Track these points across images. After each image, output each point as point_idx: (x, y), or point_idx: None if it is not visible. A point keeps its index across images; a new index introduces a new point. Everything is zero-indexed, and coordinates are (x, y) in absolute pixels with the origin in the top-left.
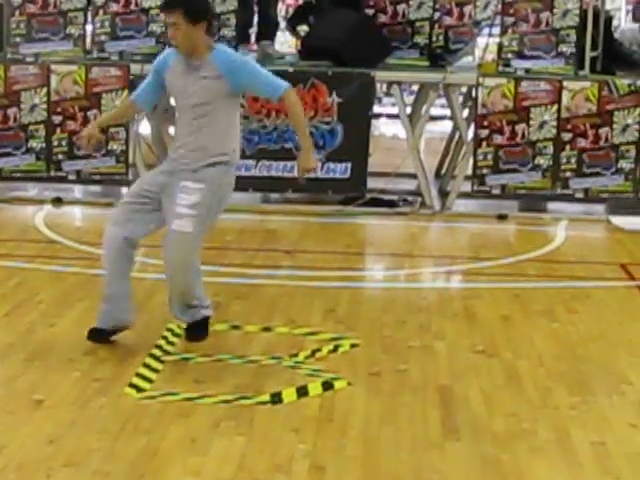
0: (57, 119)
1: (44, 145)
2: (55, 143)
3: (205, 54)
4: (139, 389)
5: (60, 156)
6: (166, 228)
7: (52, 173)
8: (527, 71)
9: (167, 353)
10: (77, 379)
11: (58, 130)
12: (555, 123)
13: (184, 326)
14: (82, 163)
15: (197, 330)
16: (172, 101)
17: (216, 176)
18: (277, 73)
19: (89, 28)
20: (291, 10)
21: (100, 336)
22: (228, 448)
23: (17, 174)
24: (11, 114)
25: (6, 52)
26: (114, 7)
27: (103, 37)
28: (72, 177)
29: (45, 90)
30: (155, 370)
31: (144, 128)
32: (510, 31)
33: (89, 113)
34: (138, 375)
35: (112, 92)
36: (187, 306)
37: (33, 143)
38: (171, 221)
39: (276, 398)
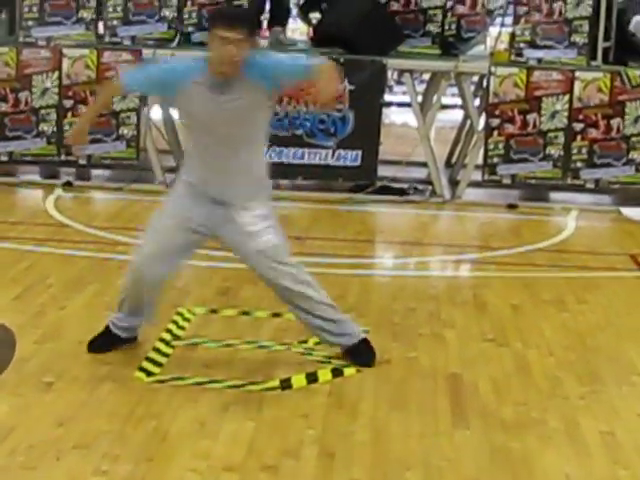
0: (68, 103)
1: (55, 129)
2: (66, 127)
3: (241, 71)
4: (149, 373)
5: None
6: None
7: (63, 157)
8: (539, 61)
9: (177, 337)
10: (87, 362)
11: (69, 114)
12: (567, 113)
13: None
14: (93, 147)
15: (360, 352)
16: (194, 127)
17: (265, 196)
18: None
19: (101, 12)
20: None
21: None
22: (237, 433)
23: (28, 157)
24: (22, 98)
25: (18, 35)
26: None
27: (115, 21)
28: (82, 161)
29: (57, 74)
30: (165, 354)
31: (155, 113)
32: (523, 20)
33: None
34: (148, 359)
35: None
36: (331, 321)
37: (44, 127)
38: (249, 246)
39: (285, 384)
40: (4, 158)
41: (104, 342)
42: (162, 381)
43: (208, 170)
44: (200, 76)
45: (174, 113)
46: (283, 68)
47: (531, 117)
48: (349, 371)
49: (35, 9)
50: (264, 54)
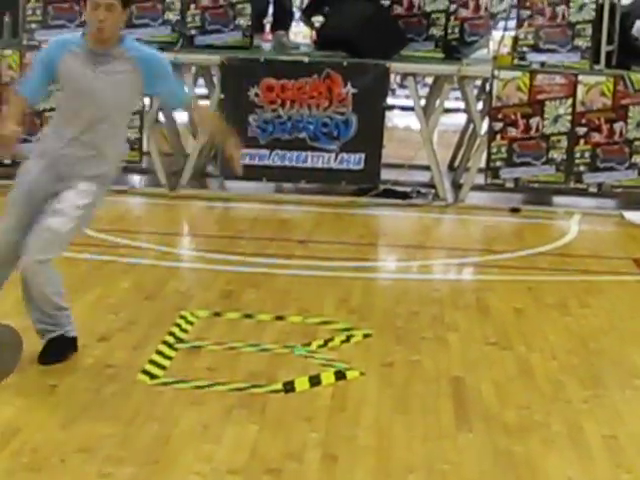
0: None
1: None
2: None
3: (117, 44)
4: (152, 376)
5: None
6: None
7: None
8: (542, 64)
9: (180, 340)
10: (90, 365)
11: None
12: (570, 117)
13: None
14: None
15: (50, 352)
16: (66, 94)
17: (106, 183)
18: (292, 63)
19: None
20: (306, 0)
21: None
22: (240, 436)
23: None
24: None
25: (22, 38)
26: None
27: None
28: None
29: None
30: (168, 357)
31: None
32: (526, 24)
33: None
34: (151, 362)
35: None
36: (48, 315)
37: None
38: (46, 217)
39: (289, 387)
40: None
41: None
42: (165, 384)
43: (65, 140)
44: (76, 47)
45: (177, 116)
46: (168, 76)
47: (534, 121)
48: (352, 374)
49: (39, 12)
50: (157, 52)
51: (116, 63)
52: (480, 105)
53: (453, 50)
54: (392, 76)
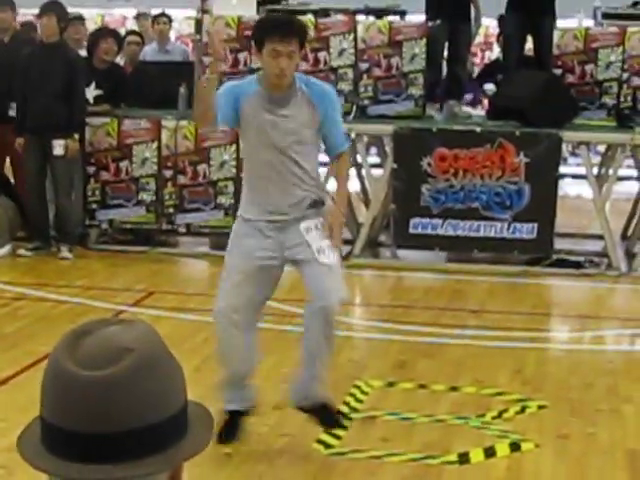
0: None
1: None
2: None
3: (292, 84)
4: (327, 445)
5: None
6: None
7: None
8: None
9: (355, 410)
10: (265, 434)
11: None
12: None
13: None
14: None
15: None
16: (253, 142)
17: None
18: (464, 133)
19: None
20: (478, 69)
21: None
22: None
23: (206, 229)
24: (201, 170)
25: None
26: None
27: None
28: None
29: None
30: (343, 427)
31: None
32: None
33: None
34: (326, 431)
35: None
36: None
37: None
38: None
39: (463, 458)
40: (182, 230)
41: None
42: (340, 454)
43: (266, 186)
44: (255, 91)
45: (349, 185)
46: (335, 115)
47: None
48: (527, 446)
49: None
50: (325, 85)
51: (294, 103)
52: None
53: (626, 118)
54: (563, 144)
